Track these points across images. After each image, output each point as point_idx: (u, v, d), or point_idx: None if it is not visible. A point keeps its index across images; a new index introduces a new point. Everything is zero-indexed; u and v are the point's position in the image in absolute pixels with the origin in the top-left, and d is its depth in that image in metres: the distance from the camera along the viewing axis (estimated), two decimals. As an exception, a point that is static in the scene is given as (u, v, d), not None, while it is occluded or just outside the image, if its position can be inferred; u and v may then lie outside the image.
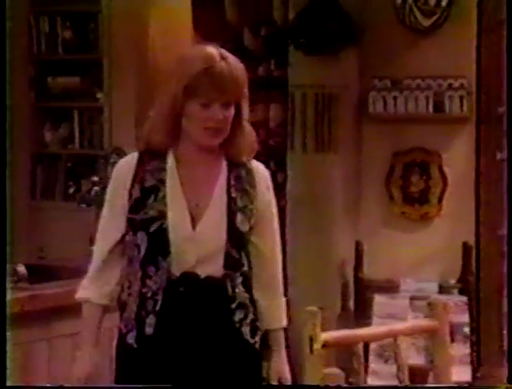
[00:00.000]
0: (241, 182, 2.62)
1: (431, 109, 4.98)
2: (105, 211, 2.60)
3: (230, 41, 5.17)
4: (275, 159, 5.19)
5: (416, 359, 4.23)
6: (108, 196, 2.61)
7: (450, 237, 4.89)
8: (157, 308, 2.53)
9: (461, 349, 4.58)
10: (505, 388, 2.06)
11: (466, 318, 4.65)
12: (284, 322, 2.65)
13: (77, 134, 5.72)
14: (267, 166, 5.38)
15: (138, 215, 2.51)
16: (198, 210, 2.56)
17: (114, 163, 3.48)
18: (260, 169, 2.67)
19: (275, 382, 2.58)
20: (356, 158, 5.01)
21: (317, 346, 2.65)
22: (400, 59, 5.05)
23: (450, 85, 4.97)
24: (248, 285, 2.59)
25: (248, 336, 2.53)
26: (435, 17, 5.00)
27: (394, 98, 5.03)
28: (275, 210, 2.68)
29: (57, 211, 5.62)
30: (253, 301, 2.61)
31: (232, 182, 2.60)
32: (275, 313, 2.64)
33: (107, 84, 5.43)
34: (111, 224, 2.58)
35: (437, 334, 3.07)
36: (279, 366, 2.62)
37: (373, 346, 4.47)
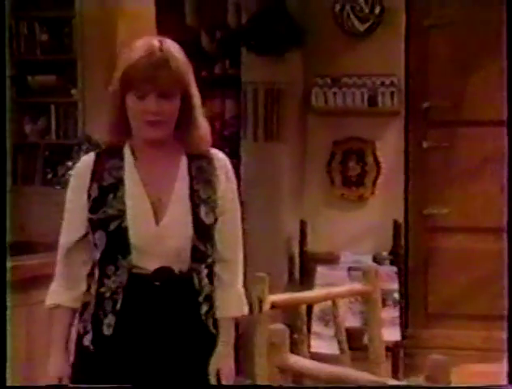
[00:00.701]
0: (202, 173, 2.33)
1: (366, 103, 5.00)
2: (66, 211, 2.33)
3: (189, 43, 5.23)
4: (229, 147, 5.06)
5: (352, 322, 4.24)
6: (68, 196, 2.34)
7: (382, 215, 4.93)
8: (117, 307, 2.24)
9: (391, 312, 4.59)
10: None
11: (395, 285, 4.68)
12: (238, 312, 2.31)
13: (54, 127, 5.63)
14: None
15: (97, 214, 2.25)
16: (160, 205, 2.28)
17: (86, 149, 3.43)
18: (220, 157, 2.38)
19: (213, 376, 2.23)
20: (301, 146, 4.99)
21: (265, 307, 2.65)
22: (339, 60, 5.06)
23: (382, 83, 4.98)
24: (212, 277, 2.31)
25: (212, 328, 2.25)
26: (369, 23, 5.01)
27: (334, 94, 5.04)
28: (235, 196, 2.38)
29: (36, 196, 5.56)
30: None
31: (194, 174, 2.32)
32: (229, 302, 2.31)
33: (80, 82, 5.34)
34: (72, 224, 2.31)
35: (370, 297, 3.10)
36: (222, 358, 2.26)
37: (315, 311, 4.49)
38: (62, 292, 2.29)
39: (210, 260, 2.28)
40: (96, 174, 2.29)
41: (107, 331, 2.23)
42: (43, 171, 5.67)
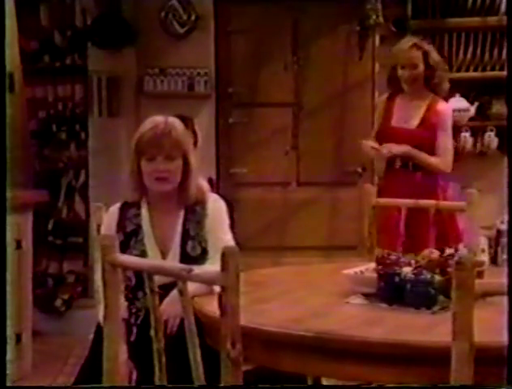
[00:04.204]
0: (195, 215, 2.50)
1: (186, 88, 5.20)
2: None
3: (44, 40, 5.30)
4: (79, 122, 5.29)
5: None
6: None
7: (201, 173, 4.87)
8: (138, 322, 2.46)
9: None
10: None
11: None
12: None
13: None
14: (74, 128, 5.52)
15: (125, 254, 2.31)
16: (165, 248, 2.48)
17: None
18: (214, 199, 2.56)
19: None
20: (136, 122, 4.54)
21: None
22: (165, 54, 5.22)
23: (198, 73, 5.20)
24: None
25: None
26: (187, 27, 5.22)
27: (161, 81, 5.20)
28: (223, 227, 2.51)
29: None
30: None
31: (189, 217, 2.49)
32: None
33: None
34: None
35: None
36: None
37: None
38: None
39: None
40: (120, 223, 2.54)
41: (132, 338, 2.49)
42: None
